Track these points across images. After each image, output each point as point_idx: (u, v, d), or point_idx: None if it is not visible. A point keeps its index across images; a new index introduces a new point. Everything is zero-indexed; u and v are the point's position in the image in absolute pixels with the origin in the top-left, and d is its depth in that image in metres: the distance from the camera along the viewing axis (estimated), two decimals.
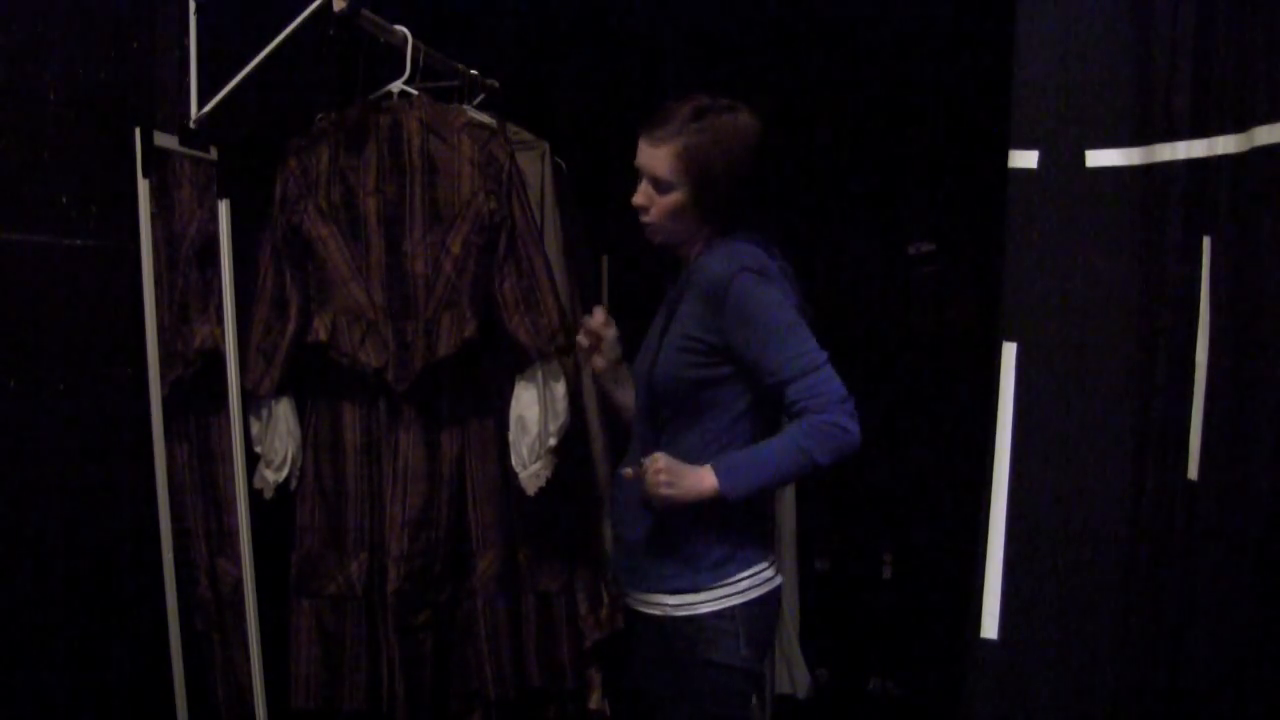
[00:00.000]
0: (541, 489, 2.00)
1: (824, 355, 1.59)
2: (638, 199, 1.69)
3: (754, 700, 2.91)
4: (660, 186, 1.66)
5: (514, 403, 1.98)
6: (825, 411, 1.55)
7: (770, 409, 1.67)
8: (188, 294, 1.95)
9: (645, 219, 1.70)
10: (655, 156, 1.65)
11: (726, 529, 1.67)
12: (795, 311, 1.62)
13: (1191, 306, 1.55)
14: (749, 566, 1.69)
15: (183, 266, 1.94)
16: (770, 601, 1.72)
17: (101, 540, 1.79)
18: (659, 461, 1.60)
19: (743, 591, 1.68)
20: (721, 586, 1.67)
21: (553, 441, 1.97)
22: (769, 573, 1.72)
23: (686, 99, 1.66)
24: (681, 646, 1.69)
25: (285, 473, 2.05)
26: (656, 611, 1.72)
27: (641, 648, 1.81)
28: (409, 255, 1.97)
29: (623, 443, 1.90)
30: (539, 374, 1.96)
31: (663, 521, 1.68)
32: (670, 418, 1.70)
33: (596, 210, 2.55)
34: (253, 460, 2.04)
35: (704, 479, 1.59)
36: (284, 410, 2.04)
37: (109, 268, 1.81)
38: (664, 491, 1.59)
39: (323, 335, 1.99)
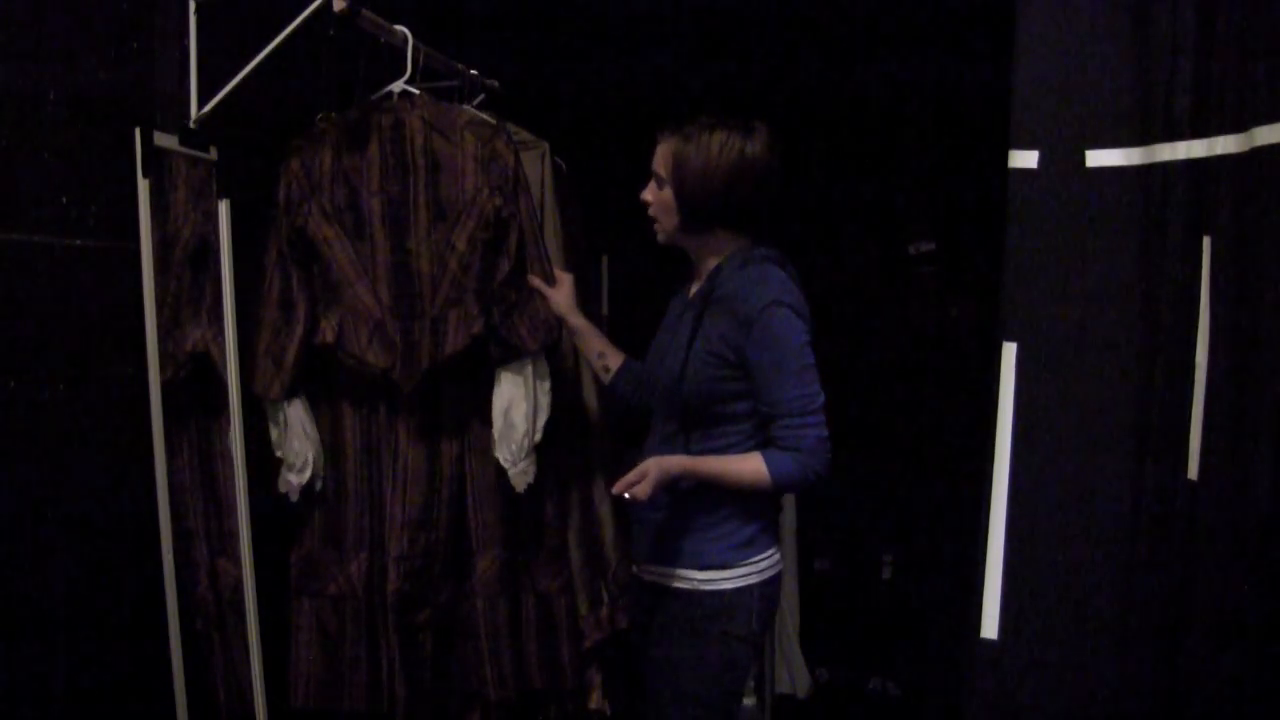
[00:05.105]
0: (542, 488, 2.00)
1: (819, 400, 1.74)
2: (643, 194, 1.88)
3: (754, 700, 2.91)
4: (658, 182, 1.84)
5: (497, 398, 1.97)
6: (798, 452, 1.72)
7: None
8: (180, 296, 1.94)
9: (649, 213, 1.88)
10: (658, 153, 1.83)
11: (750, 513, 1.83)
12: (810, 351, 1.75)
13: (1191, 306, 1.55)
14: (767, 549, 1.86)
15: (176, 268, 1.93)
16: (777, 583, 1.88)
17: (101, 540, 1.78)
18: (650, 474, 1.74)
19: (760, 571, 1.83)
20: (745, 565, 1.82)
21: (538, 438, 1.97)
22: (778, 556, 1.89)
23: (703, 112, 1.81)
24: (703, 618, 1.82)
25: (308, 474, 2.04)
26: (684, 585, 1.84)
27: (660, 619, 1.90)
28: (414, 254, 1.97)
29: (626, 437, 1.93)
30: (529, 369, 1.96)
31: (690, 503, 1.82)
32: (700, 424, 1.81)
33: (596, 210, 2.55)
34: (257, 462, 2.03)
35: (670, 470, 1.75)
36: (298, 413, 2.03)
37: (109, 268, 1.81)
38: (641, 496, 1.73)
39: (330, 337, 1.98)
